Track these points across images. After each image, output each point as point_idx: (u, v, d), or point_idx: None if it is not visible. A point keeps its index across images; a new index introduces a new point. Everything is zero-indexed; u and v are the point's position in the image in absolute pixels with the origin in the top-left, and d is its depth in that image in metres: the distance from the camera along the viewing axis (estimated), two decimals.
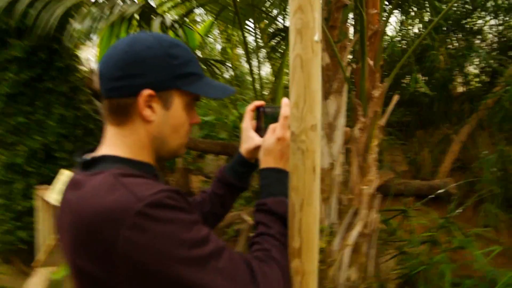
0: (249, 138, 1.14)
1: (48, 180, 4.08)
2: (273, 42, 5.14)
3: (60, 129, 4.18)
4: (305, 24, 0.86)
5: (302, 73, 0.86)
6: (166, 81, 0.89)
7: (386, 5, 4.03)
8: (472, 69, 5.51)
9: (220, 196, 1.20)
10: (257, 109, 1.14)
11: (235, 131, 6.15)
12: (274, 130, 1.03)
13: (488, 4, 5.03)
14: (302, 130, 0.87)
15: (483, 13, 5.34)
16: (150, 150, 0.94)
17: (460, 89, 5.65)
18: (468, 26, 5.31)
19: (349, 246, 2.61)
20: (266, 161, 1.02)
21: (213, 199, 1.21)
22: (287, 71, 5.32)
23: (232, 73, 7.83)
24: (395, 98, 2.88)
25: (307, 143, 0.87)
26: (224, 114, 6.41)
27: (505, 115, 3.98)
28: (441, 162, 4.88)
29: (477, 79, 5.55)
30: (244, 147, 1.15)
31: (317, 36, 0.87)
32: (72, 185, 0.88)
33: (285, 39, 4.78)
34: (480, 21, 5.46)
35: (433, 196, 3.66)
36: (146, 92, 0.87)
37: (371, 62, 2.72)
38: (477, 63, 5.13)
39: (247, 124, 1.15)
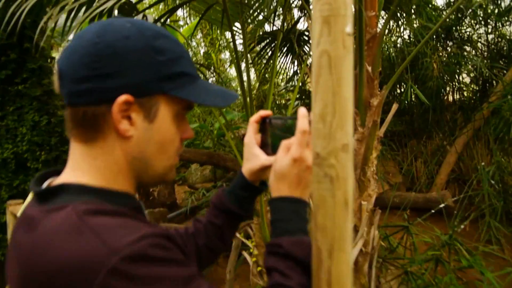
0: (253, 156, 0.91)
1: (21, 193, 3.79)
2: (258, 48, 4.95)
3: (33, 136, 3.88)
4: (334, 11, 0.65)
5: (330, 75, 0.65)
6: (149, 83, 0.67)
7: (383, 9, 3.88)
8: (465, 78, 5.42)
9: (218, 226, 0.97)
10: (263, 120, 0.92)
11: (221, 140, 5.92)
12: (288, 148, 0.81)
13: (479, 12, 4.94)
14: (331, 151, 0.66)
15: (472, 21, 5.26)
16: (129, 175, 0.71)
17: (452, 98, 5.55)
18: (458, 34, 5.22)
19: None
20: (279, 189, 0.80)
21: (209, 230, 0.98)
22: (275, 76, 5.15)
23: (217, 78, 7.62)
24: (394, 107, 2.71)
25: (337, 168, 0.66)
26: (209, 122, 6.17)
27: (505, 125, 3.86)
28: (437, 174, 4.73)
29: (471, 88, 5.45)
30: (247, 167, 0.93)
31: (350, 27, 0.66)
32: (24, 223, 0.66)
33: (273, 43, 4.60)
34: (469, 29, 5.38)
35: (432, 210, 3.49)
36: (122, 98, 0.65)
37: (369, 68, 2.54)
38: (470, 71, 5.03)
39: (251, 138, 0.93)
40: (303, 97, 5.85)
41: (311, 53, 4.00)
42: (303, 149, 0.79)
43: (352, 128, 0.67)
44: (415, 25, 5.06)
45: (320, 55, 0.65)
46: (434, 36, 5.06)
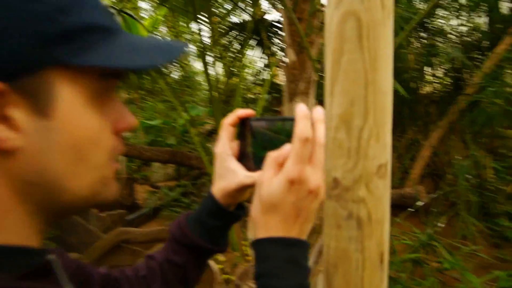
0: (228, 172, 0.65)
1: None
2: (224, 41, 4.68)
3: None
4: None
5: (360, 52, 0.39)
6: (28, 52, 0.37)
7: None
8: (438, 70, 5.32)
9: (179, 266, 0.69)
10: (242, 122, 0.66)
11: (185, 136, 5.59)
12: (279, 164, 0.55)
13: (454, 4, 4.85)
14: (360, 177, 0.40)
15: (445, 12, 5.17)
16: (25, 214, 0.42)
17: (426, 90, 5.44)
18: (430, 25, 5.11)
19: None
20: (266, 225, 0.55)
21: (167, 271, 0.70)
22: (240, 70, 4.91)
23: (181, 72, 7.27)
24: None
25: (369, 204, 0.41)
26: (172, 118, 5.83)
27: (484, 119, 3.75)
28: (411, 168, 4.61)
29: (445, 80, 5.37)
30: (220, 186, 0.66)
31: None
32: None
33: (241, 35, 4.35)
34: (442, 21, 5.29)
35: (410, 208, 3.35)
36: None
37: None
38: (445, 63, 4.93)
39: (225, 147, 0.66)
40: (272, 91, 5.62)
41: (284, 45, 3.77)
42: (304, 166, 0.53)
43: (391, 141, 0.42)
44: None
45: (343, 20, 0.40)
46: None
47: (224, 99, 6.51)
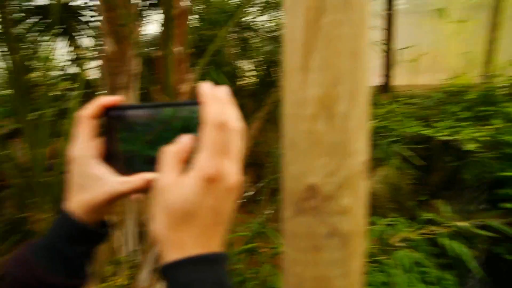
0: (92, 180, 0.48)
1: None
2: (19, 29, 4.04)
3: None
4: None
5: (348, 10, 0.29)
6: None
7: None
8: (253, 64, 5.64)
9: None
10: (107, 112, 0.49)
11: None
12: (182, 161, 0.43)
13: (257, 1, 5.19)
14: (345, 181, 0.30)
15: (253, 9, 5.51)
16: None
17: (243, 83, 5.69)
18: (241, 21, 5.38)
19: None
20: (180, 243, 0.42)
21: None
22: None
23: None
24: None
25: (355, 214, 0.31)
26: None
27: None
28: None
29: (261, 73, 5.72)
30: (82, 199, 0.48)
31: None
32: None
33: (41, 22, 3.80)
34: (250, 17, 5.62)
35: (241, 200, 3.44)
36: None
37: (179, 49, 2.21)
38: (260, 56, 5.25)
39: (84, 148, 0.48)
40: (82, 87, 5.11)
41: (96, 35, 3.41)
42: (221, 158, 0.42)
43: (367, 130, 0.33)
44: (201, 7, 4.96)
45: None
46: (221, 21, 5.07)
47: (24, 96, 5.60)
